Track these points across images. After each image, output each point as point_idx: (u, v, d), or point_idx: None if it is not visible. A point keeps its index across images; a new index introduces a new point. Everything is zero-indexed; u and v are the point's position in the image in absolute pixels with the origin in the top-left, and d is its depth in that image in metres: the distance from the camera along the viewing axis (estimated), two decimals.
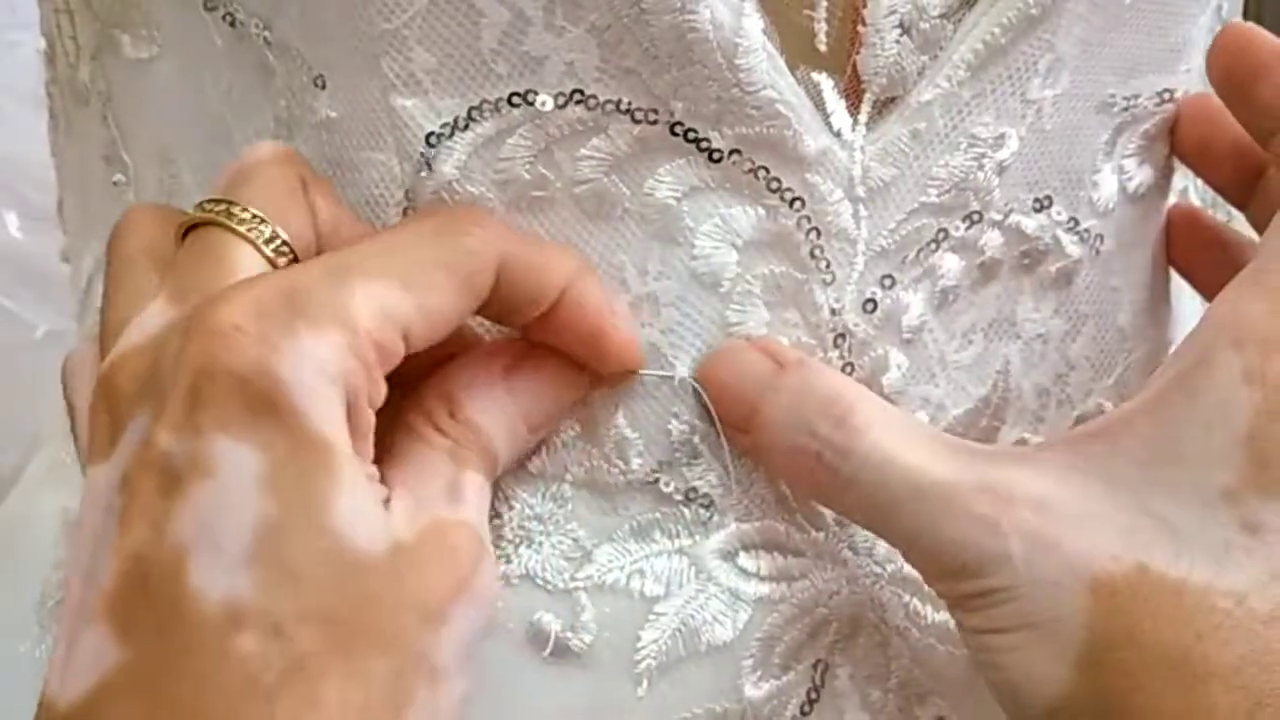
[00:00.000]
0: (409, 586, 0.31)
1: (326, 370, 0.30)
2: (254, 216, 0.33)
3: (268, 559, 0.29)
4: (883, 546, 0.40)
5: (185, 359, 0.30)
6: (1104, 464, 0.34)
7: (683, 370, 0.38)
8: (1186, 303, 0.46)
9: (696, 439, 0.38)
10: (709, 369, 0.37)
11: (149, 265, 0.35)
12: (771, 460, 0.37)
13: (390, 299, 0.31)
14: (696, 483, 0.39)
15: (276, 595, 0.29)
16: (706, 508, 0.39)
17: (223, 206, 0.33)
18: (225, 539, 0.29)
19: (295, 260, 0.33)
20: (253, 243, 0.33)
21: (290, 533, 0.29)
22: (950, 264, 0.40)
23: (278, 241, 0.33)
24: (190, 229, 0.34)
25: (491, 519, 0.38)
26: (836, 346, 0.39)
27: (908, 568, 0.39)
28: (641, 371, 0.37)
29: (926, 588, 0.37)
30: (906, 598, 0.40)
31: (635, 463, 0.38)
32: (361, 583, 0.30)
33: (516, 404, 0.35)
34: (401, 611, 0.30)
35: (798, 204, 0.37)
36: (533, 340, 0.36)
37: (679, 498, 0.39)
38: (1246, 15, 0.47)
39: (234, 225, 0.33)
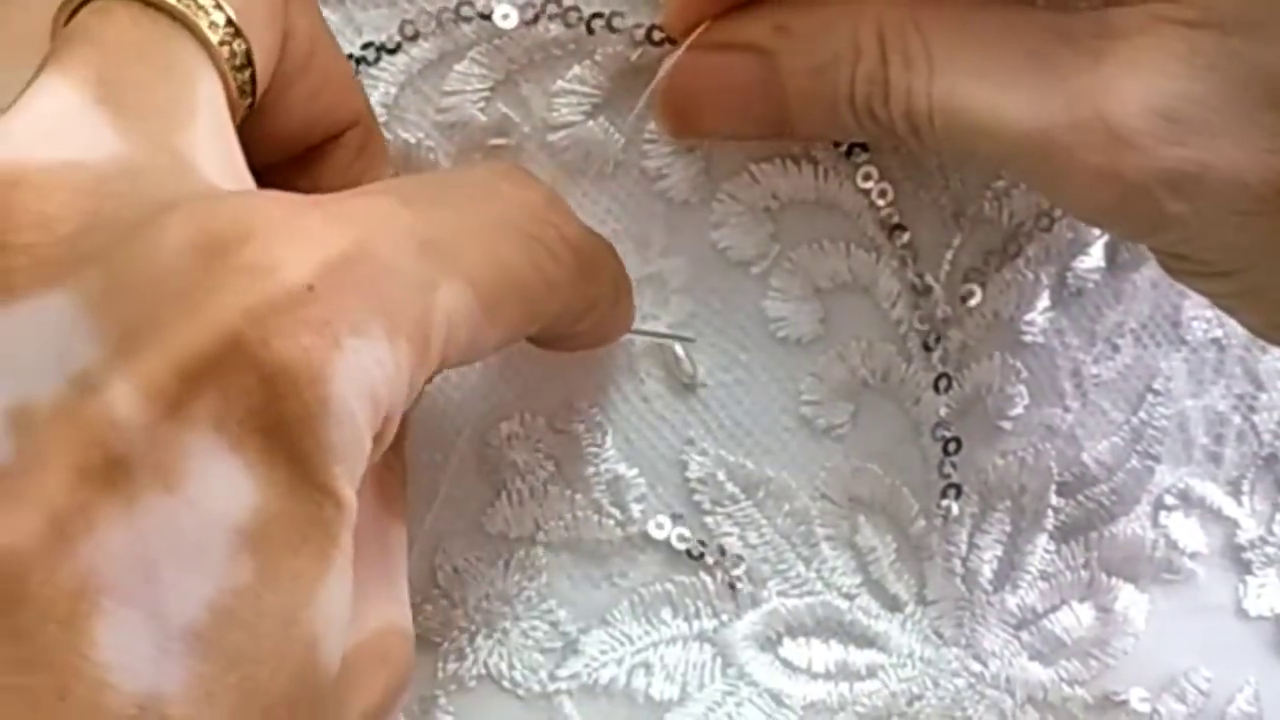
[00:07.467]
0: (349, 711, 0.26)
1: (376, 399, 0.24)
2: (229, 25, 0.26)
3: (214, 651, 0.23)
4: (986, 637, 0.36)
5: (202, 304, 0.22)
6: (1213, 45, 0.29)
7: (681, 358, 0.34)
8: None
9: (722, 476, 0.34)
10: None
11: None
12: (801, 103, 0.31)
13: (466, 317, 0.25)
14: (724, 539, 0.34)
15: (209, 710, 0.23)
16: (738, 575, 0.34)
17: None
18: (168, 600, 0.22)
19: (254, 95, 0.27)
20: (220, 65, 0.26)
21: (255, 621, 0.23)
22: (1084, 238, 0.35)
23: (247, 71, 0.26)
24: None
25: (436, 599, 0.34)
26: (927, 351, 0.34)
27: (1018, 664, 0.36)
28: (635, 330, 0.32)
29: (1046, 696, 0.34)
30: (1011, 704, 0.36)
31: (635, 510, 0.34)
32: (311, 711, 0.24)
33: None
34: None
35: (858, 151, 0.33)
36: None
37: (698, 560, 0.34)
38: None
39: (204, 30, 0.26)
